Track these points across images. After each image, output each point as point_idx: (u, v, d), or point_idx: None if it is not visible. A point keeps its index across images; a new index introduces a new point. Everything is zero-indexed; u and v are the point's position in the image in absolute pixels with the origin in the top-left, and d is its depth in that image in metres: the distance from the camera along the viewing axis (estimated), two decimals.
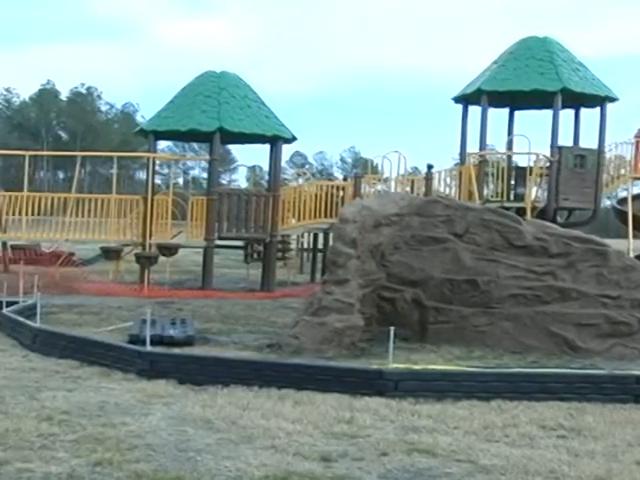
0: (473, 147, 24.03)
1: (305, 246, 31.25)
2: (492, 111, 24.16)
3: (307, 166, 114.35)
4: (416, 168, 58.51)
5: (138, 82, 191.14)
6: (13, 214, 21.75)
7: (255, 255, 25.60)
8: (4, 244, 25.21)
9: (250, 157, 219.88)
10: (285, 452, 7.08)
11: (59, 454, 6.77)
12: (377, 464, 6.87)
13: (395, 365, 10.23)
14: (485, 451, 7.33)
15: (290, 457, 6.94)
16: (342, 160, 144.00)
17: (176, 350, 11.62)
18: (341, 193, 24.49)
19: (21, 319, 13.04)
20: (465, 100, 24.28)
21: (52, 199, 22.58)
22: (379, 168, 27.62)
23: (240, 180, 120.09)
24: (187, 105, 22.65)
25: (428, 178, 23.74)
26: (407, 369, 10.29)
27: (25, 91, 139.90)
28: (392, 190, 24.38)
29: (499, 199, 22.59)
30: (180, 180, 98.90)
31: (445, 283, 13.39)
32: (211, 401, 8.96)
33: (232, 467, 6.61)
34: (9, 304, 14.41)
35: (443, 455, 7.19)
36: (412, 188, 24.87)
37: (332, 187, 25.37)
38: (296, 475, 6.47)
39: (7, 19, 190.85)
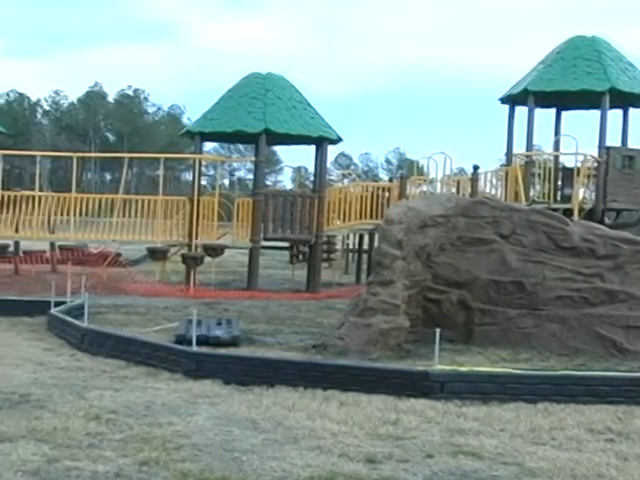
0: (519, 148, 23.87)
1: (350, 247, 31.25)
2: (539, 111, 23.99)
3: (352, 167, 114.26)
4: (462, 169, 58.31)
5: (184, 84, 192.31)
6: (61, 215, 21.97)
7: (300, 256, 25.64)
8: (52, 245, 25.49)
9: (295, 158, 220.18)
10: (330, 453, 7.07)
11: (106, 453, 6.82)
12: (422, 466, 6.85)
13: (441, 367, 10.20)
14: (532, 454, 7.27)
15: (335, 458, 6.94)
16: (387, 161, 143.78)
17: (222, 350, 11.67)
18: (386, 194, 24.46)
19: (69, 319, 13.15)
20: (512, 100, 24.12)
21: (99, 200, 22.80)
22: (424, 169, 27.55)
23: (285, 181, 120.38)
24: (233, 107, 22.75)
25: (474, 179, 23.60)
26: (453, 371, 10.22)
27: (73, 93, 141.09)
28: (438, 191, 24.29)
29: (546, 200, 22.38)
30: (226, 181, 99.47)
31: (491, 284, 13.31)
32: (257, 401, 8.97)
33: (277, 467, 6.62)
34: (57, 304, 14.54)
35: (489, 458, 7.14)
36: (458, 189, 24.77)
37: (377, 188, 25.34)
38: (341, 476, 6.46)
39: (55, 23, 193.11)
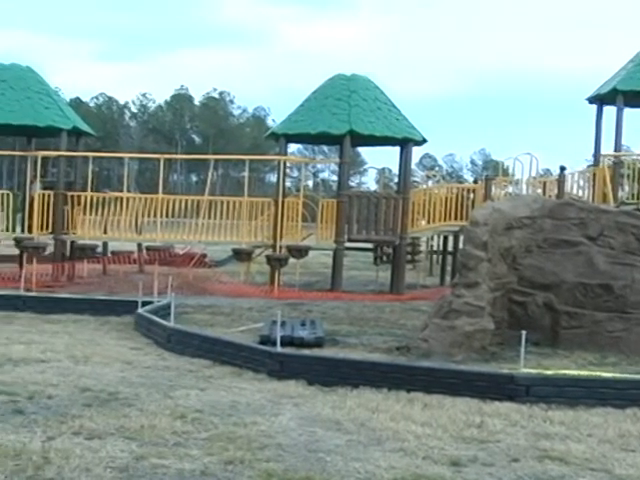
0: (607, 148, 23.43)
1: (435, 249, 31.08)
2: (628, 111, 23.52)
3: (437, 168, 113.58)
4: (548, 170, 57.49)
5: (269, 86, 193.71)
6: (148, 216, 22.29)
7: (384, 257, 25.60)
8: (140, 245, 25.87)
9: (379, 159, 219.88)
10: (414, 455, 7.04)
11: (192, 451, 6.90)
12: (508, 470, 6.78)
13: (526, 370, 10.07)
14: (620, 460, 7.14)
15: (419, 460, 6.91)
16: (472, 162, 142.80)
17: (306, 351, 11.71)
18: (471, 195, 24.26)
19: (156, 319, 13.33)
20: (600, 100, 23.70)
21: (185, 201, 23.05)
22: (510, 170, 27.26)
23: (369, 182, 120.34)
24: (318, 108, 22.81)
25: (560, 180, 23.25)
26: (539, 374, 10.10)
27: (160, 96, 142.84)
28: (523, 192, 24.00)
29: (635, 201, 21.94)
30: (310, 183, 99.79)
31: (578, 287, 13.11)
32: (340, 402, 8.98)
33: (361, 469, 6.62)
34: (144, 304, 14.75)
35: (576, 463, 7.03)
36: (544, 190, 24.43)
37: (462, 189, 25.14)
38: (425, 479, 6.43)
39: (143, 27, 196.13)
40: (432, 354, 11.75)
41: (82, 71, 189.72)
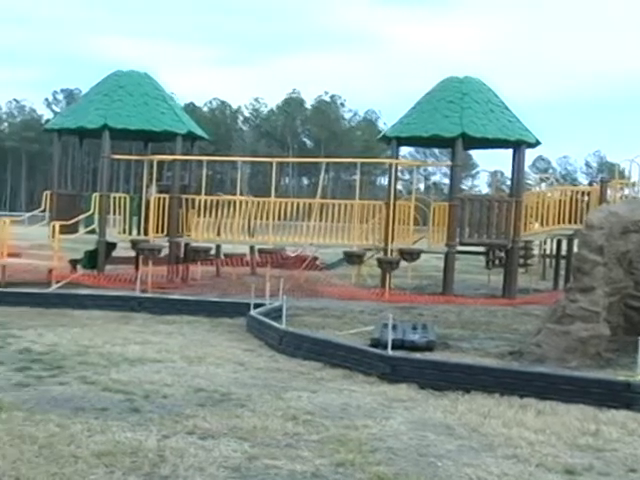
0: None
1: (548, 252, 30.62)
2: None
3: (550, 171, 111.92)
4: None
5: (380, 89, 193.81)
6: (260, 219, 22.52)
7: (497, 261, 25.33)
8: (252, 248, 26.17)
9: (491, 162, 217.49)
10: (527, 462, 6.94)
11: (304, 453, 6.94)
12: None
13: None
14: None
15: (532, 468, 6.81)
16: (587, 164, 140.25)
17: (417, 355, 11.67)
18: (586, 198, 23.78)
19: (268, 321, 13.43)
20: None
21: (297, 204, 23.21)
22: (626, 172, 26.64)
23: (481, 185, 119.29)
24: (430, 111, 22.71)
25: None
26: None
27: (272, 100, 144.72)
28: None
29: None
30: (421, 186, 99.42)
31: None
32: (452, 407, 8.92)
33: (473, 475, 6.56)
34: (256, 306, 14.89)
35: None
36: None
37: (577, 192, 24.68)
38: None
39: (255, 32, 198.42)
40: (545, 360, 11.57)
41: (196, 76, 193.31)
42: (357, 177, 24.63)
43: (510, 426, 8.12)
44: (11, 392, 8.83)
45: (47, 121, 59.47)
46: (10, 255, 21.16)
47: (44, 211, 23.49)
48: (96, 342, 12.38)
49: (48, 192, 23.61)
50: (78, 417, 7.82)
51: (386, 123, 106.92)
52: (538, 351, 11.81)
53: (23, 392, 8.87)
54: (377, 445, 7.28)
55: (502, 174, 60.92)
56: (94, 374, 9.95)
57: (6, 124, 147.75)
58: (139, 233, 22.68)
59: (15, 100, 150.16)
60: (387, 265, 21.59)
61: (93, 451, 6.73)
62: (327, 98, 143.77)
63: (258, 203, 22.64)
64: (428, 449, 7.24)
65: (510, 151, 23.55)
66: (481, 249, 25.64)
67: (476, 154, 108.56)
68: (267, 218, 22.15)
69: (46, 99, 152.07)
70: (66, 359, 10.90)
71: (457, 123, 22.14)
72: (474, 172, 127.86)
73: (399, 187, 31.81)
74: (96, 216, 22.32)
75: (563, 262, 26.10)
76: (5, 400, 8.41)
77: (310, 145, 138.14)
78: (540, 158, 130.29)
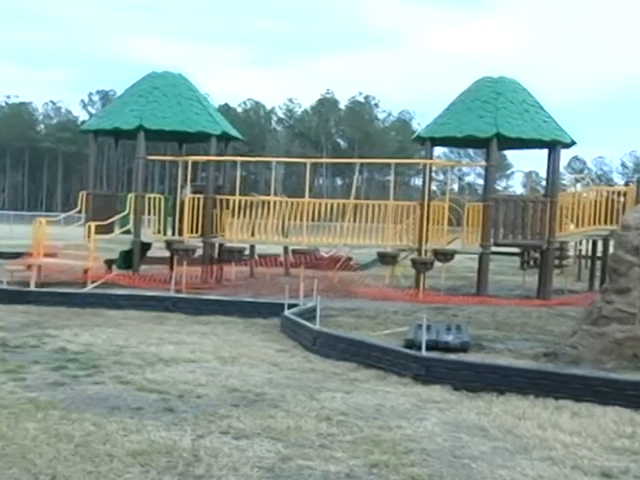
0: None
1: (583, 253, 30.42)
2: None
3: (586, 171, 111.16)
4: None
5: (414, 89, 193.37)
6: (294, 219, 22.54)
7: (531, 262, 25.21)
8: (285, 248, 26.20)
9: (525, 162, 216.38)
10: (563, 465, 6.90)
11: (337, 454, 6.94)
12: None
13: None
14: None
15: (568, 470, 6.76)
16: (623, 165, 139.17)
17: (451, 356, 11.62)
18: (622, 199, 23.60)
19: (302, 321, 13.45)
20: None
21: (331, 205, 23.22)
22: None
23: (515, 186, 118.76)
24: (464, 111, 22.65)
25: None
26: None
27: (306, 101, 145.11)
28: None
29: None
30: (455, 186, 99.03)
31: None
32: (486, 409, 8.88)
33: (507, 477, 6.53)
34: (290, 306, 14.91)
35: None
36: None
37: (612, 192, 24.49)
38: None
39: (289, 33, 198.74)
40: (581, 361, 11.49)
41: (230, 77, 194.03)
42: (391, 178, 24.57)
43: (545, 428, 8.07)
44: (47, 391, 8.91)
45: (83, 122, 59.88)
46: (46, 255, 21.34)
47: (80, 211, 23.66)
48: (131, 342, 12.47)
49: (84, 193, 23.80)
50: (113, 416, 7.88)
51: (420, 123, 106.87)
52: (573, 353, 11.73)
53: (59, 391, 8.95)
54: (411, 446, 7.26)
55: (537, 174, 60.65)
56: (129, 374, 10.01)
57: (42, 125, 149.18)
58: (174, 233, 22.81)
59: (51, 102, 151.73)
60: (421, 266, 21.55)
61: (128, 450, 6.77)
62: (361, 98, 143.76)
63: (292, 204, 22.66)
64: (462, 451, 7.21)
65: (545, 151, 23.43)
66: (516, 250, 25.51)
67: (511, 154, 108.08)
68: (301, 219, 22.17)
69: (82, 100, 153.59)
70: (101, 359, 10.98)
71: (492, 123, 22.05)
72: (509, 172, 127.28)
73: (433, 187, 31.73)
74: (131, 216, 22.48)
75: (599, 263, 25.94)
76: (41, 399, 8.49)
77: (344, 146, 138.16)
78: (575, 158, 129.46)
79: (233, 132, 24.74)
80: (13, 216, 64.12)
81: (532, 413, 8.69)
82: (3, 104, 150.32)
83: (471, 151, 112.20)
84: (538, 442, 7.57)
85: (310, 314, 13.97)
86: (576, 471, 6.75)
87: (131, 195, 22.93)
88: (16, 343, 12.05)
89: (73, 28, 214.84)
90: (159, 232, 22.99)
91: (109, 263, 22.83)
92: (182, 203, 22.43)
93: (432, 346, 11.81)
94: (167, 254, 23.43)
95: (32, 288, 19.00)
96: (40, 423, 7.50)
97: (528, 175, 38.27)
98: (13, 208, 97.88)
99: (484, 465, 6.80)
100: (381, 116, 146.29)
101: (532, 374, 9.99)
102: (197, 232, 22.43)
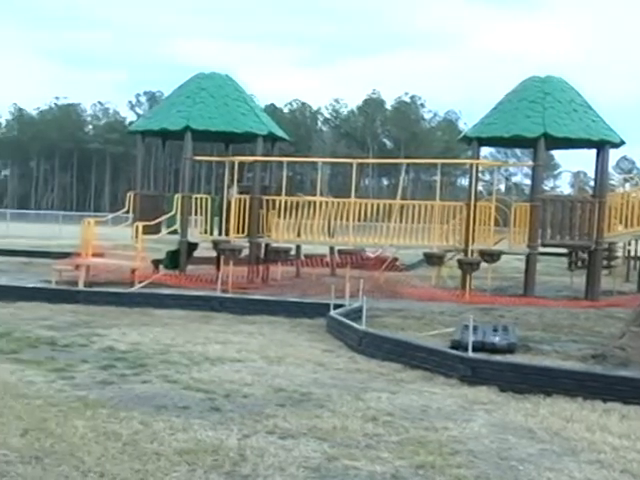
0: None
1: (632, 254, 30.10)
2: None
3: (635, 171, 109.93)
4: None
5: (460, 89, 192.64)
6: (340, 219, 22.54)
7: (579, 263, 24.99)
8: (331, 249, 26.21)
9: (573, 162, 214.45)
10: (611, 468, 6.82)
11: (383, 454, 6.93)
12: None
13: None
14: None
15: (617, 474, 6.68)
16: None
17: (498, 357, 11.55)
18: None
19: (347, 321, 13.43)
20: None
21: (377, 205, 23.19)
22: None
23: (563, 186, 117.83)
24: (511, 111, 22.51)
25: None
26: None
27: (352, 101, 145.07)
28: None
29: None
30: (502, 186, 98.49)
31: None
32: (533, 410, 8.81)
33: (555, 479, 6.47)
34: (336, 307, 14.90)
35: None
36: None
37: None
38: None
39: (335, 34, 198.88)
40: (630, 363, 11.36)
41: (277, 78, 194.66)
42: (437, 178, 24.50)
43: (593, 430, 7.99)
44: (95, 390, 9.00)
45: (130, 123, 60.49)
46: (94, 255, 21.55)
47: (127, 212, 23.85)
48: (177, 341, 12.54)
49: (131, 193, 23.99)
50: (160, 415, 7.93)
51: (466, 123, 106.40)
52: (622, 354, 11.60)
53: (107, 390, 9.03)
54: (457, 447, 7.23)
55: (585, 174, 60.10)
56: (176, 373, 10.08)
57: (91, 126, 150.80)
58: (220, 233, 22.92)
59: (99, 103, 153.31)
60: (467, 266, 21.45)
61: (175, 449, 6.81)
62: (407, 99, 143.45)
63: (338, 204, 22.66)
64: (509, 452, 7.17)
65: (593, 151, 23.21)
66: (563, 250, 25.29)
67: (558, 154, 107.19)
68: (347, 219, 22.16)
69: (129, 101, 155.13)
70: (148, 358, 11.06)
71: (539, 123, 21.90)
72: (556, 172, 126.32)
73: (480, 188, 31.52)
74: (178, 217, 22.61)
75: None
76: (90, 397, 8.57)
77: (390, 146, 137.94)
78: (624, 158, 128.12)
79: (279, 132, 24.80)
80: (62, 216, 64.93)
81: (580, 415, 8.61)
82: (52, 105, 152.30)
83: (518, 151, 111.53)
84: (586, 445, 7.50)
85: (356, 314, 13.95)
86: (625, 475, 6.67)
87: (178, 195, 23.07)
88: (65, 342, 12.18)
89: (121, 30, 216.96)
90: (206, 232, 23.12)
91: (156, 263, 22.99)
92: (229, 203, 22.51)
93: (478, 347, 11.76)
94: (214, 254, 23.52)
95: (80, 288, 19.19)
96: (88, 421, 7.57)
97: (576, 175, 37.91)
98: (62, 208, 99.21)
99: (531, 467, 6.76)
100: (427, 116, 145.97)
101: (580, 376, 9.90)
102: (243, 232, 22.50)
